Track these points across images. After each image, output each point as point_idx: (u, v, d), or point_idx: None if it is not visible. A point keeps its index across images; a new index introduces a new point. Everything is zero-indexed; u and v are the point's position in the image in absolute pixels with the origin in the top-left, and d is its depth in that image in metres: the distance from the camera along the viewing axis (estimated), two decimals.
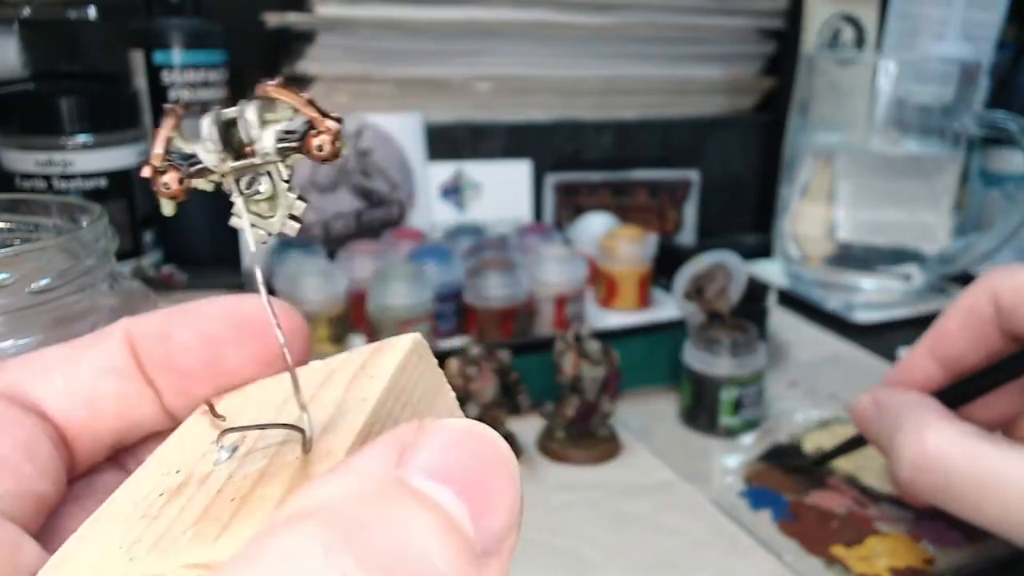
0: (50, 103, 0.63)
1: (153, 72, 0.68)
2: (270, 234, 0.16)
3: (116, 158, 0.65)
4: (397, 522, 0.12)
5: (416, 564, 0.12)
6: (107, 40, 0.71)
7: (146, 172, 0.15)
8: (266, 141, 0.15)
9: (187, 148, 0.15)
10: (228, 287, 0.58)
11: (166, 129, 0.15)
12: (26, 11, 0.68)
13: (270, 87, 0.15)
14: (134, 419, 0.19)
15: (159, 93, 0.68)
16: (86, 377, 0.19)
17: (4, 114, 0.63)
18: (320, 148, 0.15)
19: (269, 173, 0.16)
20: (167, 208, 0.15)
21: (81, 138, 0.63)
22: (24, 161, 0.63)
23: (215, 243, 0.71)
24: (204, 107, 0.71)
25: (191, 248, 0.71)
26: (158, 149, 0.15)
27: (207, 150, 0.15)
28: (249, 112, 0.15)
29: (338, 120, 0.15)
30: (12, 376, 0.18)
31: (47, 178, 0.63)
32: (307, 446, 0.15)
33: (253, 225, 0.16)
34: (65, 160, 0.63)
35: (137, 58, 0.68)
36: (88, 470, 0.19)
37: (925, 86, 0.70)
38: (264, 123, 0.15)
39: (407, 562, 0.12)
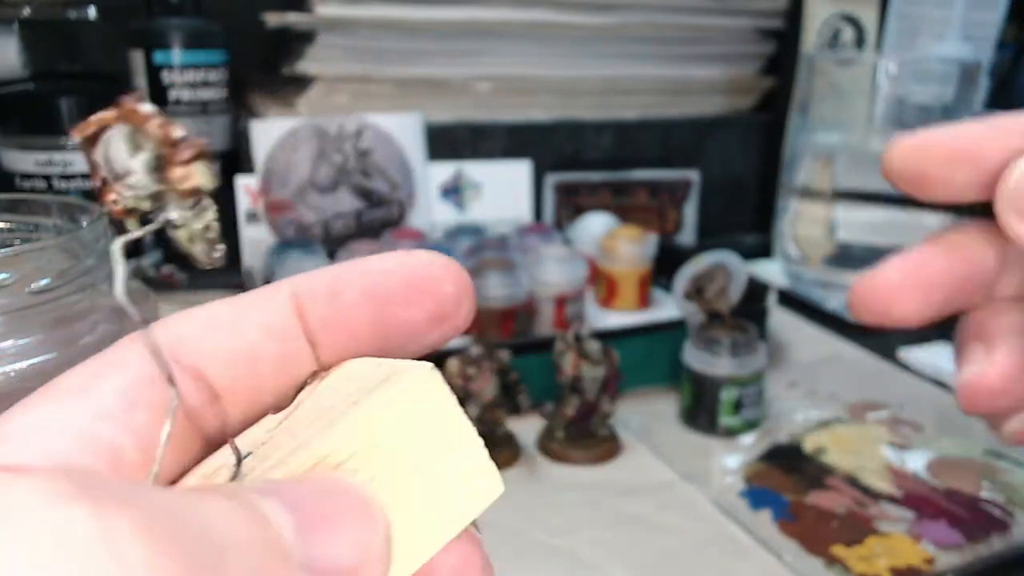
0: (50, 103, 0.63)
1: (153, 72, 0.68)
2: (210, 259, 0.15)
3: None
4: (205, 511, 0.12)
5: (207, 543, 0.12)
6: (107, 40, 0.71)
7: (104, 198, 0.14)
8: (138, 171, 0.14)
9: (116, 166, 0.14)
10: (228, 287, 0.58)
11: (91, 153, 0.14)
12: (26, 11, 0.68)
13: (126, 107, 0.14)
14: (291, 381, 0.18)
15: (159, 93, 0.68)
16: (251, 338, 0.18)
17: (4, 114, 0.63)
18: (181, 180, 0.14)
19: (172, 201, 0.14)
20: (132, 226, 0.15)
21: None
22: (24, 161, 0.63)
23: None
24: (203, 108, 0.71)
25: None
26: (93, 175, 0.14)
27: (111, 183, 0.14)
28: (115, 140, 0.14)
29: (196, 148, 0.14)
30: (176, 331, 0.18)
31: (47, 178, 0.63)
32: (236, 475, 0.15)
33: (189, 254, 0.15)
34: (65, 160, 0.63)
35: (137, 58, 0.68)
36: (240, 431, 0.19)
37: (925, 86, 0.70)
38: (136, 148, 0.14)
39: (197, 540, 0.11)
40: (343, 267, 0.20)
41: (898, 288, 0.23)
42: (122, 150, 0.13)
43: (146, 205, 0.14)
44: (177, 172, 0.14)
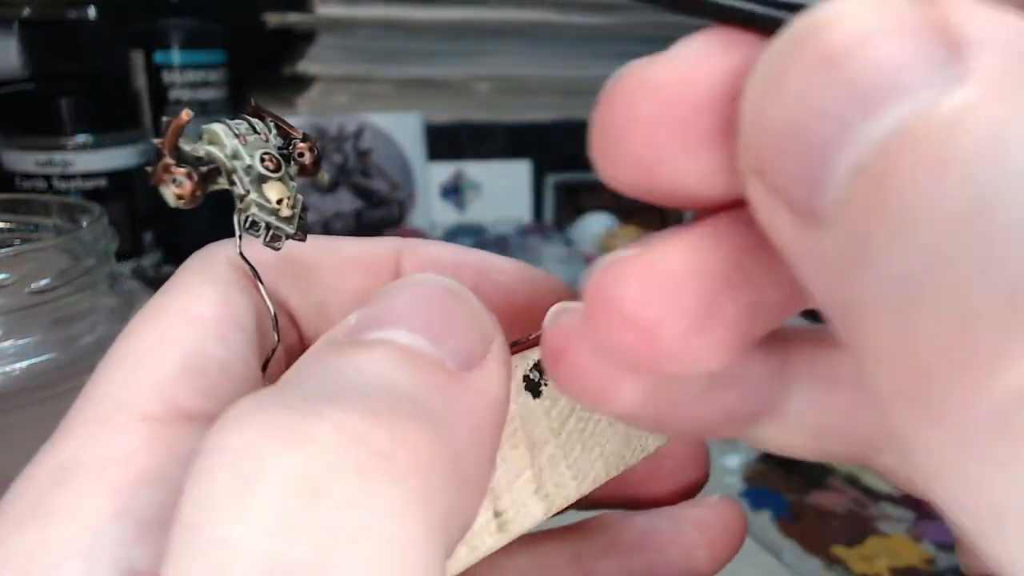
0: (50, 103, 0.63)
1: (153, 72, 0.68)
2: (286, 236, 0.16)
3: (116, 158, 0.65)
4: (343, 370, 0.12)
5: (376, 391, 0.12)
6: (107, 40, 0.71)
7: (156, 177, 0.15)
8: (246, 157, 0.16)
9: (199, 151, 0.16)
10: None
11: (175, 132, 0.15)
12: (26, 11, 0.68)
13: (251, 107, 0.16)
14: None
15: (159, 93, 0.68)
16: (342, 298, 0.19)
17: (4, 114, 0.63)
18: (301, 155, 0.16)
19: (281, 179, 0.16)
20: (173, 201, 0.16)
21: (81, 138, 0.63)
22: (24, 161, 0.63)
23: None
24: (203, 108, 0.71)
25: (191, 248, 0.71)
26: (169, 151, 0.15)
27: (225, 149, 0.16)
28: (220, 133, 0.16)
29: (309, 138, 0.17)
30: (275, 281, 0.18)
31: (47, 178, 0.63)
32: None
33: (269, 226, 0.16)
34: (65, 160, 0.63)
35: (137, 58, 0.68)
36: None
37: None
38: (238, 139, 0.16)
39: (364, 395, 0.12)
40: (463, 253, 0.20)
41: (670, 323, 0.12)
42: (230, 140, 0.16)
43: (253, 191, 0.16)
44: (300, 146, 0.16)
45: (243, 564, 0.10)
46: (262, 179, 0.16)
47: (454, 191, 0.79)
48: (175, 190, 0.15)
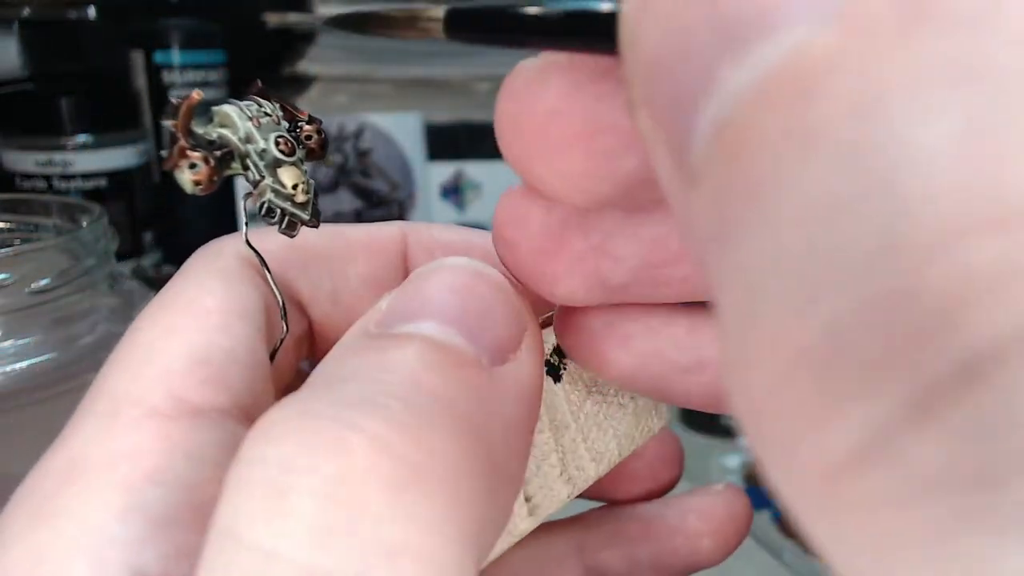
0: (50, 103, 0.63)
1: (153, 72, 0.68)
2: (302, 222, 0.16)
3: (116, 158, 0.65)
4: (375, 370, 0.12)
5: (410, 396, 0.12)
6: (107, 40, 0.71)
7: (172, 162, 0.15)
8: (259, 139, 0.15)
9: (211, 134, 0.15)
10: None
11: (187, 113, 0.15)
12: (26, 11, 0.68)
13: (256, 87, 0.16)
14: None
15: (159, 93, 0.68)
16: (352, 285, 0.19)
17: (4, 114, 0.63)
18: (309, 137, 0.16)
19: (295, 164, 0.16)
20: (190, 188, 0.15)
21: (81, 138, 0.63)
22: (24, 161, 0.63)
23: None
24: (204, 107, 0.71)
25: (191, 248, 0.71)
26: (183, 133, 0.15)
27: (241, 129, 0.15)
28: (232, 114, 0.15)
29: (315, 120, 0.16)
30: (283, 270, 0.18)
31: (47, 178, 0.63)
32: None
33: (285, 212, 0.16)
34: (65, 160, 0.63)
35: (137, 58, 0.68)
36: None
37: None
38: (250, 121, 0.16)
39: (397, 402, 0.11)
40: (472, 235, 0.20)
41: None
42: (243, 122, 0.15)
43: (266, 176, 0.16)
44: (306, 129, 0.16)
45: (282, 574, 0.10)
46: (277, 163, 0.15)
47: (454, 191, 0.79)
48: (192, 176, 0.15)
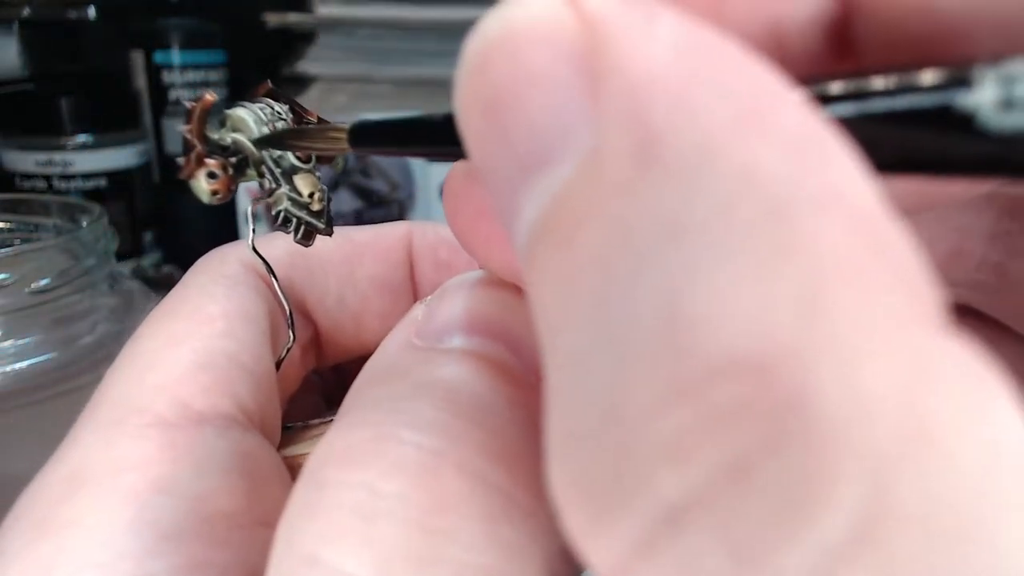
0: (50, 103, 0.63)
1: (153, 72, 0.68)
2: (317, 231, 0.16)
3: (116, 158, 0.65)
4: (437, 388, 0.12)
5: (483, 419, 0.11)
6: (107, 40, 0.71)
7: (190, 170, 0.15)
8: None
9: (225, 139, 0.15)
10: None
11: (201, 118, 0.14)
12: (26, 11, 0.68)
13: (264, 88, 0.15)
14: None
15: (159, 93, 0.68)
16: (361, 287, 0.18)
17: (4, 114, 0.63)
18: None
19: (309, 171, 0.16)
20: (208, 197, 0.15)
21: (81, 138, 0.63)
22: (24, 161, 0.63)
23: (215, 243, 0.71)
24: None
25: (191, 248, 0.71)
26: (199, 139, 0.14)
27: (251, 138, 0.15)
28: (245, 118, 0.15)
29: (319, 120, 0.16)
30: (288, 276, 0.18)
31: (47, 178, 0.63)
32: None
33: (301, 221, 0.16)
34: (65, 160, 0.63)
35: (137, 58, 0.68)
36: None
37: None
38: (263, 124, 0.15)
39: (469, 419, 0.11)
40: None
41: None
42: (259, 127, 0.15)
43: (281, 184, 0.15)
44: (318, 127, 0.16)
45: None
46: (294, 170, 0.15)
47: None
48: (211, 185, 0.14)
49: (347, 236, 0.19)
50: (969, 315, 0.14)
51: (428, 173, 0.78)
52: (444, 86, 0.78)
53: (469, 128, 0.09)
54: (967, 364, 0.07)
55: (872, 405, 0.07)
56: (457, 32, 0.77)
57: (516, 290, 0.14)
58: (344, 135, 0.13)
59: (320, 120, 0.16)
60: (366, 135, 0.13)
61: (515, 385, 0.12)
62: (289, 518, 0.11)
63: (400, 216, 0.77)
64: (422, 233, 0.19)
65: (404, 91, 0.77)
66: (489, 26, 0.09)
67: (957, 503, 0.07)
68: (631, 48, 0.08)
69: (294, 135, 0.14)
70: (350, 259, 0.19)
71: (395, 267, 0.19)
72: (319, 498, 0.11)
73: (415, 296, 0.19)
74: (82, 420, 0.15)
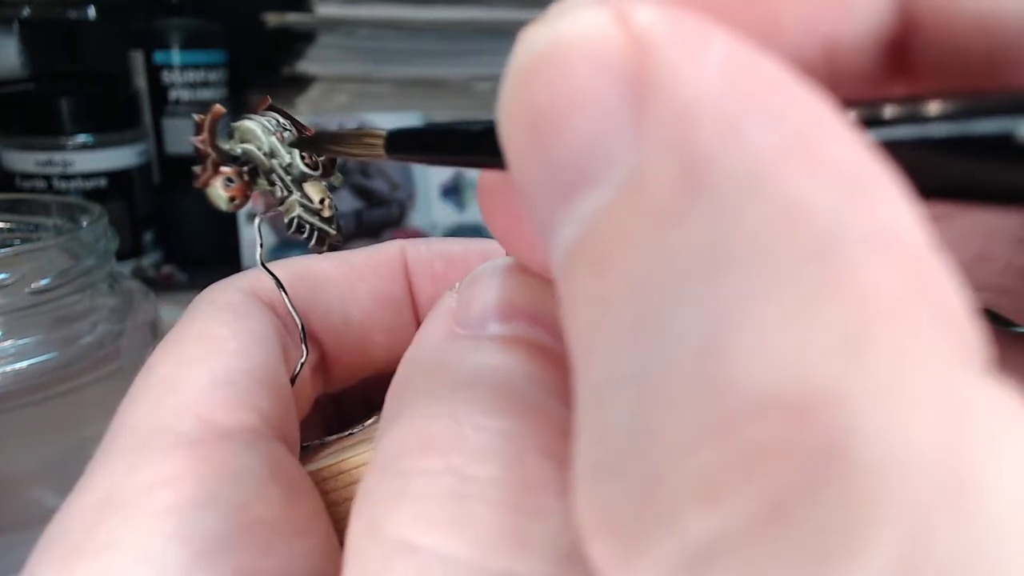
0: (50, 103, 0.63)
1: (153, 72, 0.68)
2: (329, 237, 0.16)
3: (116, 158, 0.65)
4: (490, 370, 0.12)
5: (540, 397, 0.11)
6: (107, 40, 0.71)
7: (206, 178, 0.15)
8: (283, 153, 0.15)
9: (235, 149, 0.15)
10: None
11: (212, 128, 0.15)
12: (26, 11, 0.68)
13: (265, 102, 0.16)
14: (398, 351, 0.19)
15: (159, 93, 0.68)
16: (363, 305, 0.18)
17: (4, 114, 0.63)
18: (319, 154, 0.16)
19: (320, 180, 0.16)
20: (225, 204, 0.15)
21: (81, 138, 0.63)
22: (24, 161, 0.63)
23: (215, 243, 0.71)
24: (203, 108, 0.71)
25: (191, 248, 0.71)
26: (214, 149, 0.15)
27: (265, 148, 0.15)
28: (255, 129, 0.15)
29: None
30: (293, 299, 0.18)
31: (47, 178, 0.63)
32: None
33: (314, 228, 0.16)
34: (65, 160, 0.63)
35: (137, 58, 0.68)
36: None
37: None
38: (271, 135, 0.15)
39: (534, 403, 0.11)
40: (467, 243, 0.20)
41: None
42: (268, 137, 0.15)
43: (290, 191, 0.15)
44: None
45: None
46: (304, 178, 0.15)
47: (454, 191, 0.79)
48: (228, 191, 0.15)
49: (343, 259, 0.19)
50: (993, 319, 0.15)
51: (428, 173, 0.77)
52: (444, 86, 0.78)
53: (511, 142, 0.09)
54: (1008, 410, 0.07)
55: (913, 453, 0.07)
56: (457, 32, 0.77)
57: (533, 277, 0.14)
58: (380, 141, 0.13)
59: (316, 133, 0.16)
60: (403, 142, 0.13)
61: (561, 368, 0.12)
62: (369, 508, 0.11)
63: (400, 216, 0.77)
64: (415, 248, 0.19)
65: (404, 91, 0.77)
66: (537, 38, 0.09)
67: (995, 554, 0.07)
68: (680, 72, 0.08)
69: (330, 139, 0.14)
70: (350, 277, 0.19)
71: (394, 282, 0.19)
72: (404, 486, 0.11)
73: (415, 311, 0.19)
74: (103, 450, 0.14)
